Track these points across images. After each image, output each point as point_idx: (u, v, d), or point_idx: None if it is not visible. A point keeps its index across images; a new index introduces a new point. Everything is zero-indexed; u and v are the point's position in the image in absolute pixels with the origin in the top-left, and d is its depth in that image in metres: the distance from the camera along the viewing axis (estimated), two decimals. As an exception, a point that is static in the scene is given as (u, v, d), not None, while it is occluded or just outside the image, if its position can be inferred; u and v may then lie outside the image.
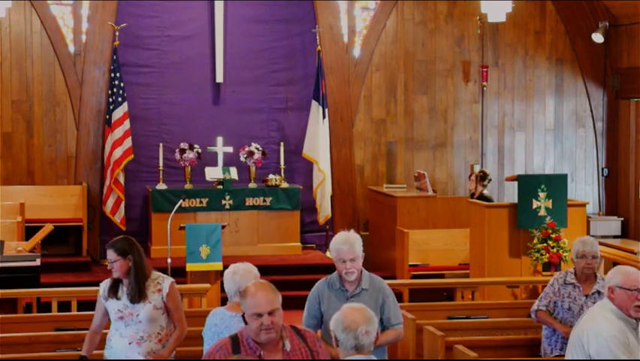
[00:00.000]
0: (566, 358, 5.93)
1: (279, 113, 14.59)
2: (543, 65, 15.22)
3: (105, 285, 6.52)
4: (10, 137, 13.87)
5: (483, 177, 12.46)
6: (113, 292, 6.43)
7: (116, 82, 13.55)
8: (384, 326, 6.42)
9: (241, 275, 6.10)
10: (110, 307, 6.47)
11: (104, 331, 6.70)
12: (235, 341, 5.00)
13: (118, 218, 13.53)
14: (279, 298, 5.04)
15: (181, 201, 12.03)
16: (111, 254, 6.39)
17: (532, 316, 7.80)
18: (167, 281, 6.48)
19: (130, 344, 6.36)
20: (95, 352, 6.75)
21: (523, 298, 10.24)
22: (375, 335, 4.80)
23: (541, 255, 10.44)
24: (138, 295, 6.35)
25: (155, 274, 6.51)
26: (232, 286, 6.17)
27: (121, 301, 6.40)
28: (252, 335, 4.99)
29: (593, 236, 13.72)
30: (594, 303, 7.48)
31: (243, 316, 5.05)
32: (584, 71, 15.22)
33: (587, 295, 7.62)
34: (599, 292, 7.56)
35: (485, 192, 12.33)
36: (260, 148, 13.82)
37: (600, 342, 5.60)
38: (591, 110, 15.27)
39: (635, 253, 12.28)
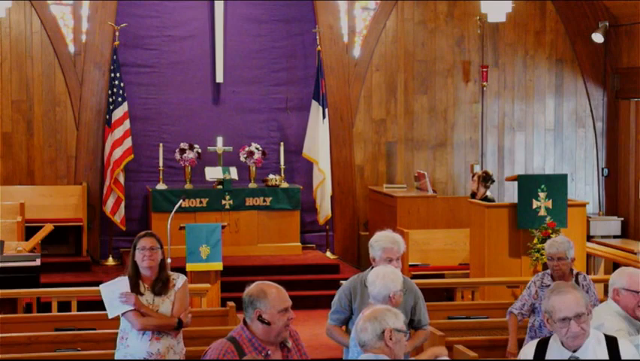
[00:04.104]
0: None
1: (279, 113, 14.59)
2: (543, 65, 15.21)
3: (126, 285, 6.40)
4: (10, 137, 13.86)
5: (486, 178, 12.22)
6: (136, 290, 6.41)
7: (116, 82, 13.54)
8: (414, 327, 6.43)
9: (392, 278, 5.93)
10: None
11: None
12: (236, 343, 4.90)
13: (118, 218, 13.53)
14: None
15: (181, 201, 12.02)
16: (153, 242, 6.38)
17: (507, 316, 7.70)
18: (181, 278, 6.55)
19: (150, 340, 6.37)
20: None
21: (523, 298, 10.23)
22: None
23: (541, 255, 10.42)
24: (165, 286, 6.40)
25: (169, 272, 6.58)
26: (383, 290, 5.93)
27: (144, 296, 6.42)
28: (273, 335, 4.90)
29: (593, 236, 13.87)
30: None
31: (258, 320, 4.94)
32: (584, 71, 15.21)
33: None
34: None
35: (488, 193, 12.15)
36: (260, 148, 13.82)
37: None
38: (591, 110, 15.26)
39: (635, 253, 12.29)
